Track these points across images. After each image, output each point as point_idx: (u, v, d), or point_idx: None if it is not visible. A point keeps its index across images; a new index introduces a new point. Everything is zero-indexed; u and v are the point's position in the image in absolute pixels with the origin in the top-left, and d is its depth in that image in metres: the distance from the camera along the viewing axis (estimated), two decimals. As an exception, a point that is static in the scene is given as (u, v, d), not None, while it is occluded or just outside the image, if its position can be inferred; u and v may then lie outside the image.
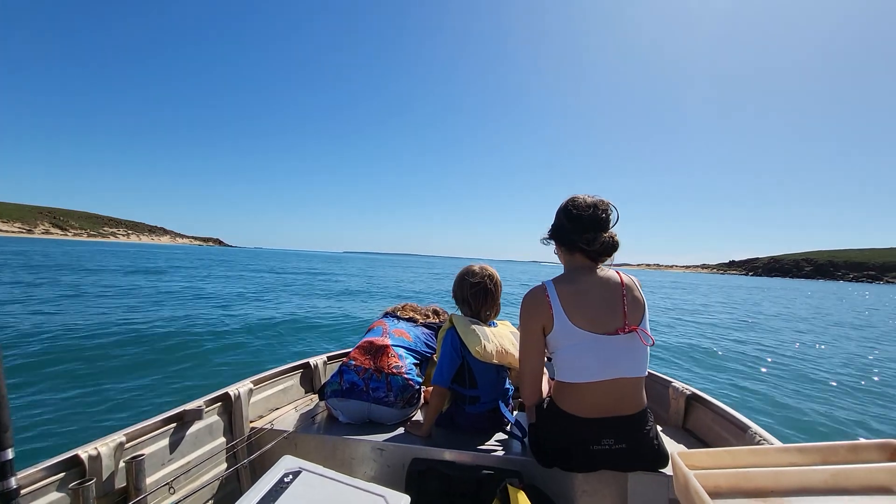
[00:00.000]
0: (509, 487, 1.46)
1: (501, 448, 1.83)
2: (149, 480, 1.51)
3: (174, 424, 1.72)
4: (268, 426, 2.02)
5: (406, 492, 1.34)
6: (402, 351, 2.16)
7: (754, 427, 1.70)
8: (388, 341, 2.17)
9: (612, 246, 1.62)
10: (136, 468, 1.44)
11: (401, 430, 1.98)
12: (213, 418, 1.91)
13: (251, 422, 2.07)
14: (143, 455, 1.48)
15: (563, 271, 1.72)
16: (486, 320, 2.03)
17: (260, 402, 2.21)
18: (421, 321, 2.47)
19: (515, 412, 2.19)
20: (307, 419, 2.12)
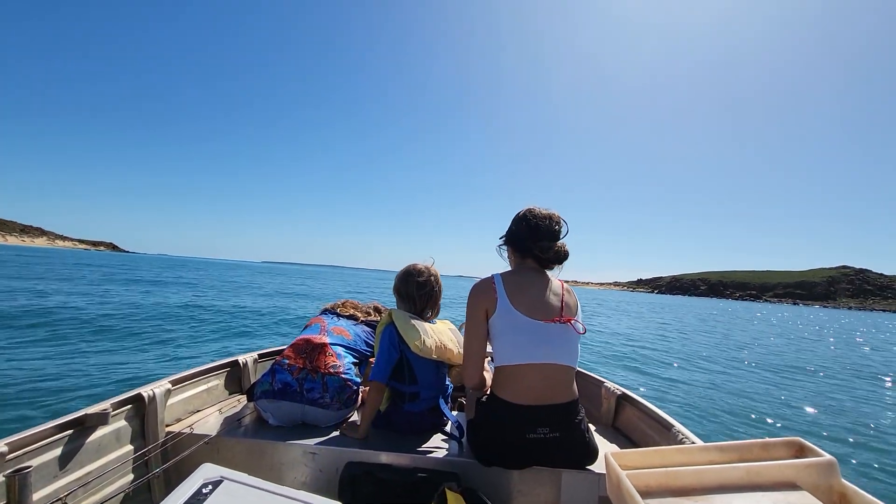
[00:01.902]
0: (447, 492, 1.41)
1: (440, 449, 1.78)
2: (36, 497, 1.27)
3: (71, 431, 1.45)
4: (187, 430, 1.80)
5: (339, 498, 1.25)
6: (340, 350, 2.05)
7: (677, 426, 1.82)
8: (327, 339, 2.05)
9: (564, 255, 1.79)
10: (19, 483, 1.19)
11: (336, 433, 1.87)
12: (120, 423, 1.65)
13: (168, 426, 1.84)
14: (29, 468, 1.23)
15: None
16: (427, 319, 2.02)
17: (179, 403, 1.96)
18: (362, 318, 2.37)
19: (455, 412, 2.19)
20: (233, 422, 1.92)
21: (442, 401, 1.91)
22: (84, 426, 1.52)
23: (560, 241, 1.79)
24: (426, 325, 1.94)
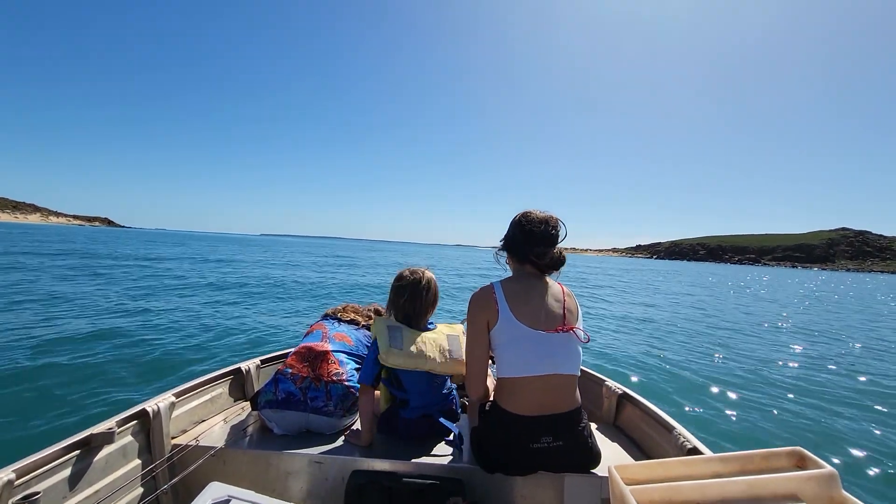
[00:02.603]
0: None
1: (444, 456, 1.80)
2: None
3: (78, 452, 1.47)
4: (193, 443, 1.81)
5: None
6: (342, 356, 2.05)
7: (678, 428, 1.84)
8: (329, 346, 2.05)
9: (560, 261, 1.76)
10: None
11: (340, 441, 1.89)
12: (126, 439, 1.66)
13: (173, 438, 1.85)
14: (37, 494, 1.25)
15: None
16: (419, 324, 1.97)
17: (183, 415, 1.97)
18: (363, 323, 2.37)
19: (460, 420, 2.20)
20: (238, 432, 1.94)
21: (435, 413, 1.90)
22: (90, 446, 1.53)
23: (557, 247, 1.75)
24: (407, 334, 1.89)
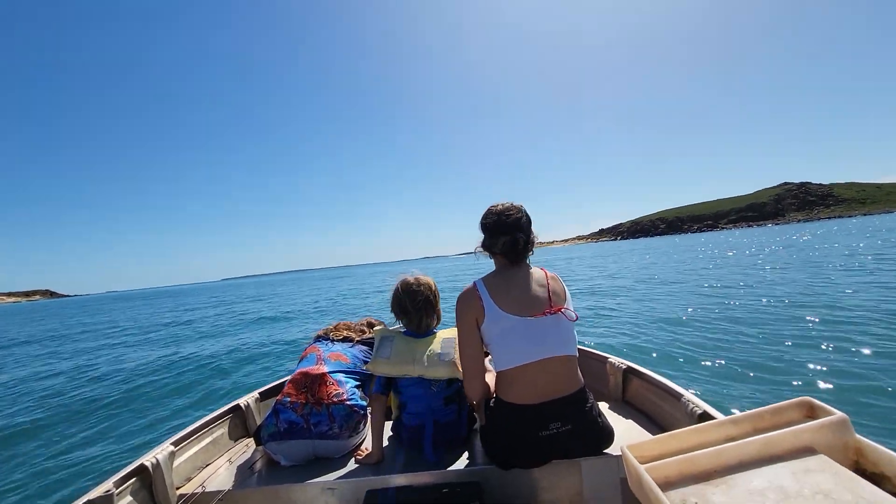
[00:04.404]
0: None
1: (458, 460, 1.76)
2: None
3: None
4: (199, 489, 1.72)
5: None
6: (340, 376, 1.99)
7: (686, 394, 1.84)
8: (325, 368, 1.99)
9: (523, 246, 1.75)
10: None
11: (351, 462, 1.82)
12: (126, 500, 1.55)
13: (178, 488, 1.74)
14: None
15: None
16: (419, 330, 1.98)
17: (186, 463, 1.86)
18: (357, 338, 2.29)
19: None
20: (245, 471, 1.84)
21: (429, 423, 1.86)
22: None
23: (523, 232, 1.76)
24: (397, 342, 1.93)
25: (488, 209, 1.83)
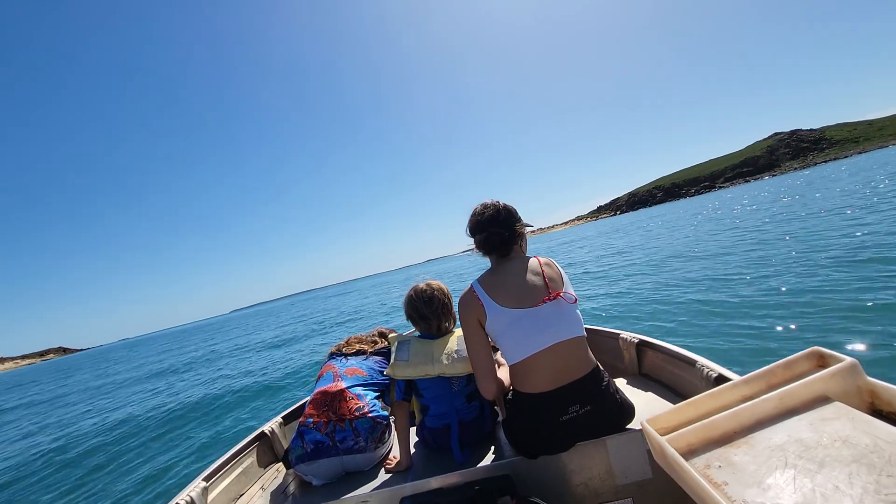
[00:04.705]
0: None
1: (486, 456, 1.79)
2: None
3: None
4: None
5: None
6: (359, 390, 2.01)
7: (700, 360, 1.86)
8: (343, 384, 2.01)
9: (504, 240, 1.82)
10: None
11: (381, 473, 1.85)
12: None
13: None
14: None
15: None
16: (434, 333, 2.02)
17: (220, 496, 1.90)
18: (370, 350, 2.30)
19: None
20: (278, 496, 1.88)
21: (454, 423, 1.88)
22: None
23: (497, 228, 1.82)
24: (414, 345, 1.96)
25: (474, 209, 1.90)
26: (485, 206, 1.86)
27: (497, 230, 1.81)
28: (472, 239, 1.89)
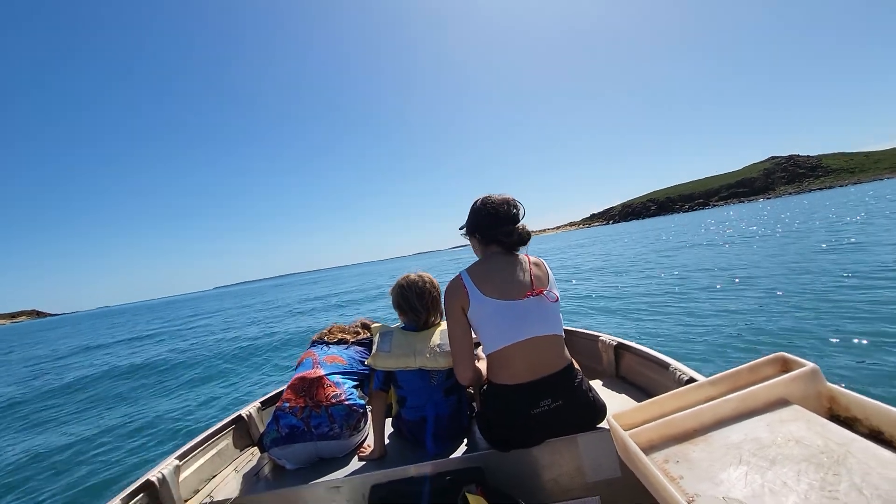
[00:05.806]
0: (468, 496, 1.43)
1: (459, 447, 1.80)
2: None
3: None
4: (207, 500, 1.77)
5: None
6: (338, 378, 2.02)
7: (673, 363, 1.89)
8: (322, 371, 2.02)
9: (526, 236, 1.83)
10: None
11: (354, 460, 1.86)
12: None
13: (186, 501, 1.79)
14: None
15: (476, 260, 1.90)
16: (422, 326, 2.01)
17: (192, 476, 1.89)
18: (352, 340, 2.32)
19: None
20: (251, 478, 1.88)
21: (430, 416, 1.89)
22: None
23: (521, 224, 1.83)
24: (401, 336, 1.95)
25: (489, 198, 1.85)
26: (507, 200, 1.83)
27: (519, 227, 1.82)
28: (485, 227, 1.83)
